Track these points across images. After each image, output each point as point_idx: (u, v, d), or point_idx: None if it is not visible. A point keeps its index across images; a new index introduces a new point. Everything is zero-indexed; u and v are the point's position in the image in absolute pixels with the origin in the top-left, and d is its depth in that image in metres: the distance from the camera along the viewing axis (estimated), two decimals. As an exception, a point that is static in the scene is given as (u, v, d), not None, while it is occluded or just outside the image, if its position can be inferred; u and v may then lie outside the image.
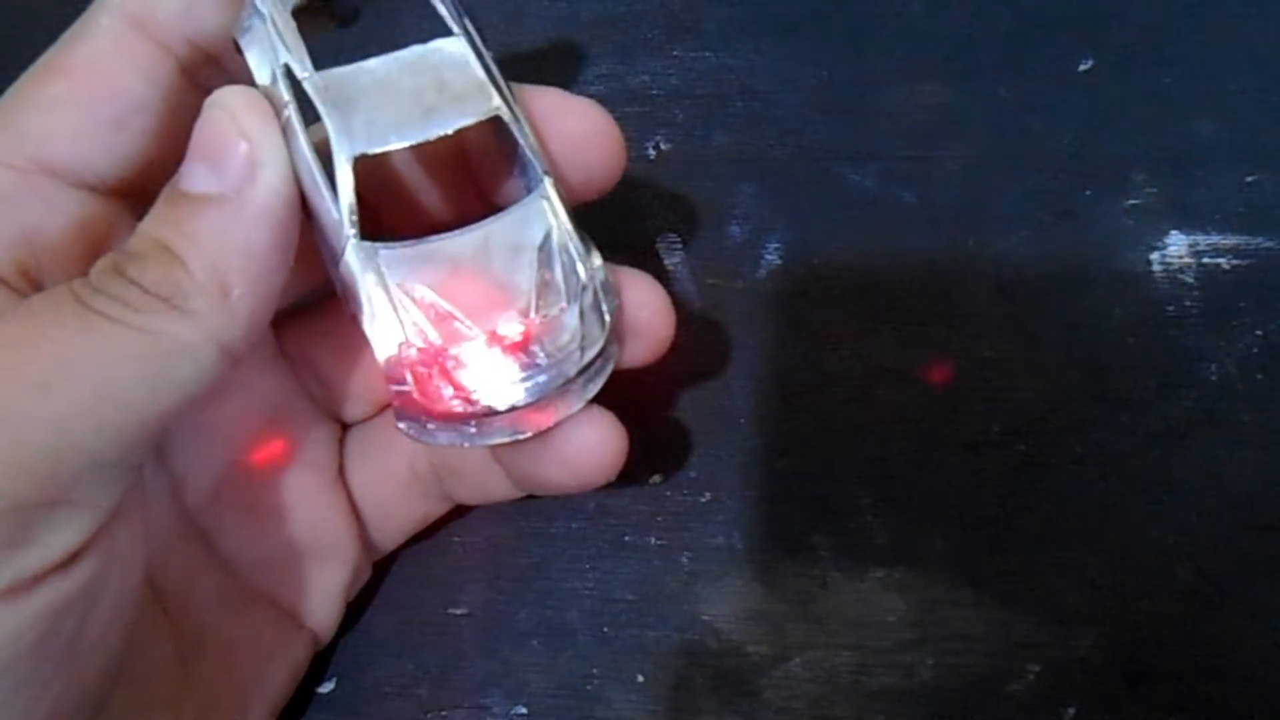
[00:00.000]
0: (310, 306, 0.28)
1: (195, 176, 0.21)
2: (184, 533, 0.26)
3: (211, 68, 0.23)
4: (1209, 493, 0.27)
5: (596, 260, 0.24)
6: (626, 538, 0.29)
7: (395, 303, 0.22)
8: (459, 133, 0.22)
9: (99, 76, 0.22)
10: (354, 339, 0.27)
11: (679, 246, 0.32)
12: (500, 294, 0.22)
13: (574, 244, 0.23)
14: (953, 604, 0.27)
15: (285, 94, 0.21)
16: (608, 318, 0.24)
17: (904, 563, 0.28)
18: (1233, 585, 0.26)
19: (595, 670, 0.28)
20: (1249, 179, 0.30)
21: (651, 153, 0.33)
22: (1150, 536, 0.27)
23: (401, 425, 0.23)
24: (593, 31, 0.35)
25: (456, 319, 0.22)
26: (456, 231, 0.22)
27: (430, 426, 0.23)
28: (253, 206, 0.21)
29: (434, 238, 0.22)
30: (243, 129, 0.21)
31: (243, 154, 0.21)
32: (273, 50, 0.22)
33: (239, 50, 0.22)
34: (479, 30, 0.23)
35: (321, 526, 0.27)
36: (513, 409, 0.23)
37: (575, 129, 0.24)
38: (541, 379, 0.23)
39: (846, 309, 0.30)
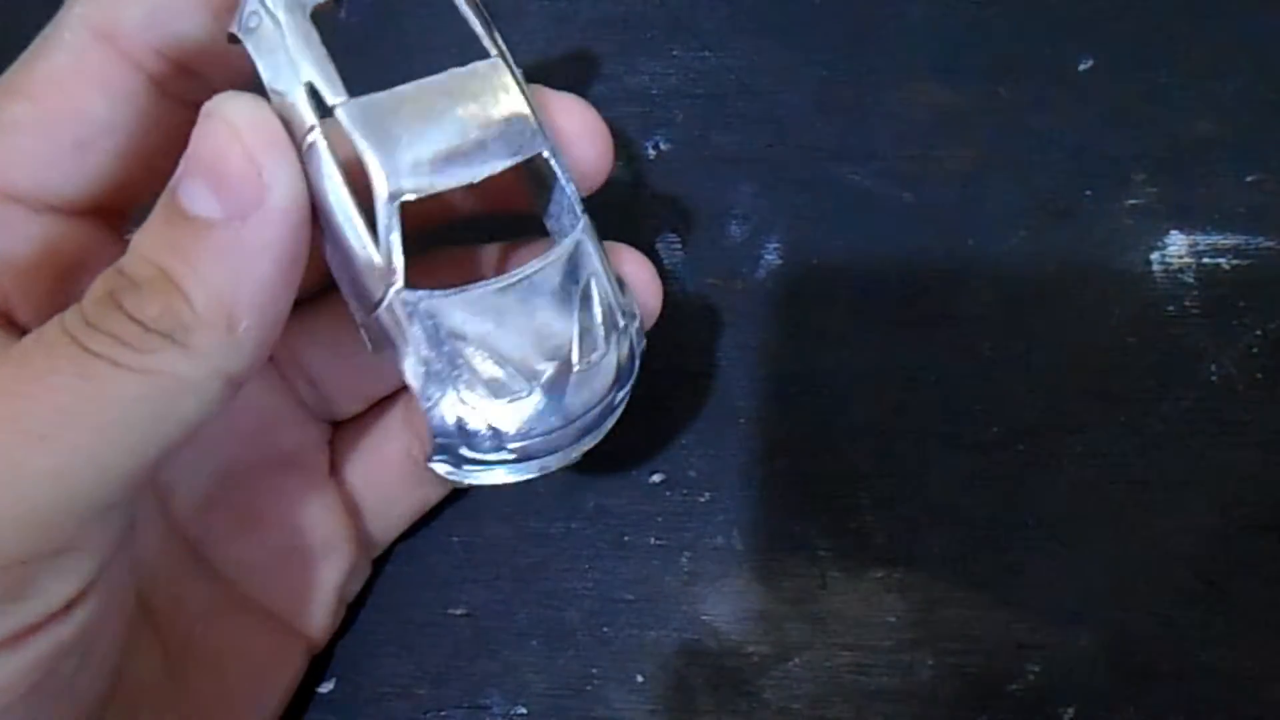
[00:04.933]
0: (297, 306, 0.27)
1: (196, 196, 0.19)
2: (172, 544, 0.25)
3: (188, 79, 0.22)
4: (1209, 493, 0.27)
5: (629, 299, 0.24)
6: (626, 538, 0.29)
7: (444, 356, 0.21)
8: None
9: (60, 96, 0.21)
10: (343, 339, 0.26)
11: (679, 246, 0.32)
12: (545, 343, 0.22)
13: (611, 287, 0.23)
14: (953, 604, 0.27)
15: (309, 115, 0.20)
16: (637, 361, 0.24)
17: (904, 563, 0.28)
18: (1233, 585, 0.26)
19: (595, 670, 0.28)
20: (1249, 179, 0.30)
21: (651, 153, 0.33)
22: (1150, 536, 0.27)
23: (436, 465, 0.23)
24: (593, 31, 0.35)
25: (506, 373, 0.22)
26: (501, 278, 0.22)
27: (465, 468, 0.23)
28: (260, 234, 0.19)
29: (478, 285, 0.21)
30: (248, 147, 0.19)
31: (249, 177, 0.19)
32: (290, 65, 0.20)
33: (239, 43, 0.20)
34: (507, 44, 0.23)
35: (314, 529, 0.27)
36: (555, 456, 0.23)
37: (564, 128, 0.23)
38: (580, 425, 0.23)
39: (846, 309, 0.30)
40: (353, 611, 0.28)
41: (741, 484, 0.29)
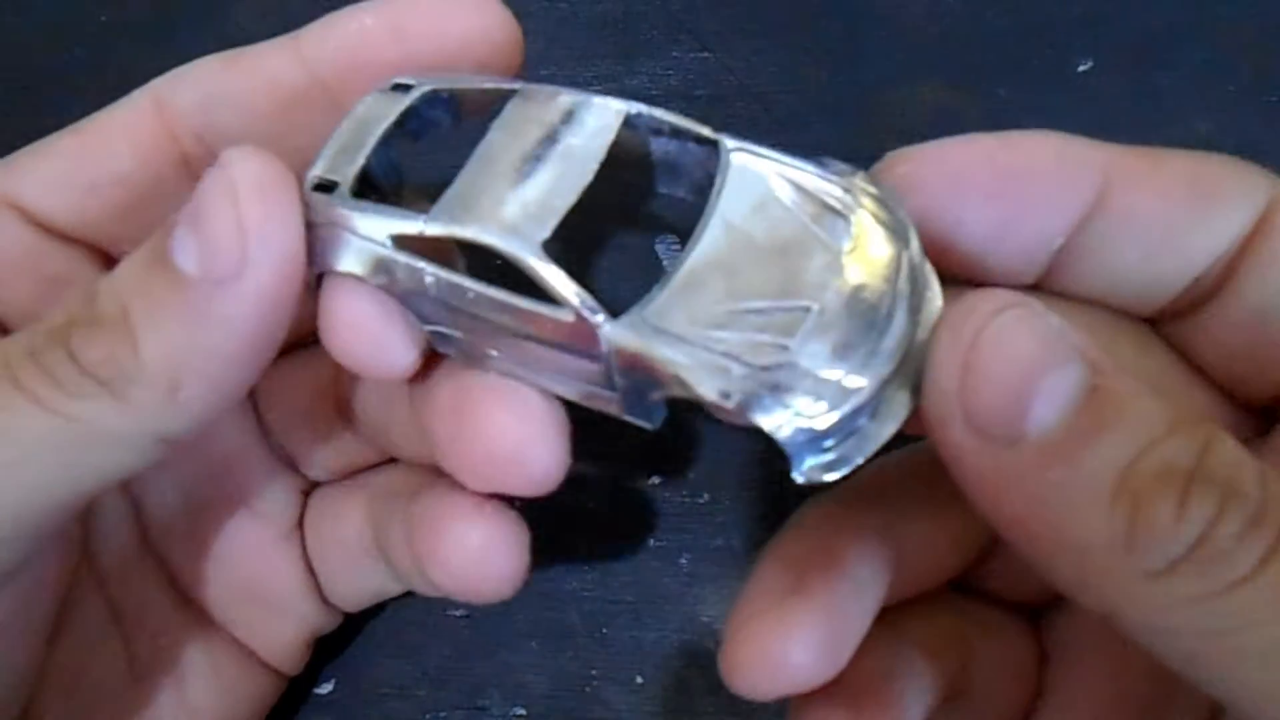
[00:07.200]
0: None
1: (183, 247, 0.18)
2: (145, 553, 0.25)
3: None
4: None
5: (854, 180, 0.20)
6: (625, 539, 0.29)
7: (703, 345, 0.18)
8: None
9: (95, 142, 0.22)
10: (314, 400, 0.26)
11: (678, 247, 0.31)
12: (790, 255, 0.18)
13: (812, 169, 0.19)
14: (952, 605, 0.27)
15: (415, 264, 0.19)
16: (914, 241, 0.19)
17: (903, 564, 0.27)
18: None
19: (594, 671, 0.28)
20: (1249, 179, 0.30)
21: (651, 153, 0.33)
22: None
23: (803, 473, 0.19)
24: (592, 31, 0.35)
25: (774, 308, 0.18)
26: (691, 241, 0.19)
27: (828, 445, 0.19)
28: (228, 307, 0.18)
29: (678, 261, 0.18)
30: (240, 214, 0.18)
31: (231, 245, 0.18)
32: (367, 239, 0.19)
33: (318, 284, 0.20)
34: None
35: (270, 579, 0.26)
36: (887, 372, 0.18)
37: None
38: (895, 320, 0.18)
39: (846, 309, 0.30)
40: (352, 613, 0.28)
41: (740, 485, 0.29)
